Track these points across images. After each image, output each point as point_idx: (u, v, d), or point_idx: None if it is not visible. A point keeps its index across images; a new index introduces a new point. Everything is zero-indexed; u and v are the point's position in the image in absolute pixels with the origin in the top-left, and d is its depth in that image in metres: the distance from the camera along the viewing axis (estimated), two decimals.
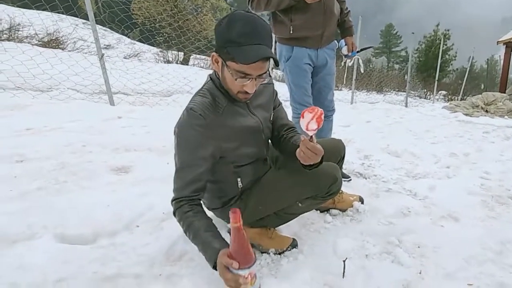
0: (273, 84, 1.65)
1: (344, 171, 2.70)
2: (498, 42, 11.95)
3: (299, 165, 1.45)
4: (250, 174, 1.53)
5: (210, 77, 1.45)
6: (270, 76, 1.40)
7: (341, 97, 10.17)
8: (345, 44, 2.53)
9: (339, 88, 13.80)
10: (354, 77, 9.07)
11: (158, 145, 3.02)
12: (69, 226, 1.64)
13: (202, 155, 1.35)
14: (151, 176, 2.35)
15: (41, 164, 2.34)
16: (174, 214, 1.39)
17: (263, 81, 1.37)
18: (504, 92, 10.64)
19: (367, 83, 15.26)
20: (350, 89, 9.59)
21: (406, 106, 9.96)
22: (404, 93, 11.07)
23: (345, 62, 2.74)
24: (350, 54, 2.54)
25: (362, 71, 4.82)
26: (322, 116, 1.29)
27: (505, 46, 11.75)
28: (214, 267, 1.22)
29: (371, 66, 20.36)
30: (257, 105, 1.53)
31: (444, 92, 18.86)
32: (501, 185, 2.74)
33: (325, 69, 2.43)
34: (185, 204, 1.35)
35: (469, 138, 4.98)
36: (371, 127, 5.49)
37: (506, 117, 7.53)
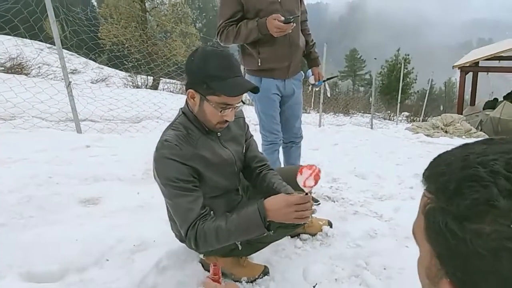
0: (243, 117, 1.71)
1: (313, 195, 2.77)
2: (453, 66, 12.69)
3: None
4: (223, 206, 1.55)
5: (182, 111, 1.49)
6: (243, 102, 1.46)
7: (309, 120, 10.40)
8: (312, 74, 2.65)
9: (307, 111, 14.14)
10: (321, 100, 9.35)
11: (128, 174, 2.99)
12: (35, 263, 1.60)
13: (188, 180, 1.36)
14: (121, 207, 2.33)
15: (4, 198, 2.27)
16: (195, 240, 1.34)
17: (240, 108, 1.44)
18: (461, 114, 11.25)
19: (334, 106, 15.73)
20: (318, 112, 9.85)
21: (371, 128, 10.31)
22: (369, 115, 11.48)
23: (311, 87, 2.86)
24: (317, 83, 2.67)
25: (329, 95, 5.00)
26: (320, 174, 1.32)
27: (459, 70, 12.48)
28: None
29: (337, 90, 21.04)
30: (228, 139, 1.58)
31: (406, 114, 19.71)
32: None
33: (292, 99, 2.54)
34: (198, 225, 1.33)
35: (431, 158, 5.21)
36: (338, 150, 5.64)
37: (463, 137, 7.95)
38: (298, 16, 2.24)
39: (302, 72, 2.60)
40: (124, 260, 1.71)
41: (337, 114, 15.09)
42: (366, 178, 3.68)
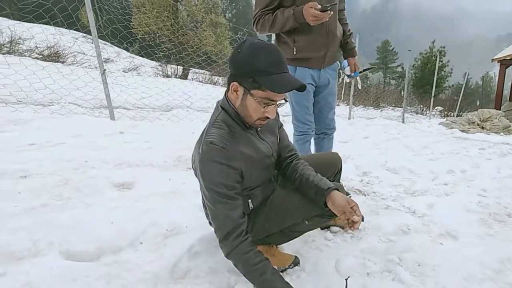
0: None
1: (344, 188, 2.73)
2: (492, 59, 12.15)
3: None
4: (260, 195, 1.56)
5: (221, 107, 1.45)
6: (285, 100, 1.44)
7: (338, 112, 10.21)
8: (348, 65, 2.59)
9: (337, 103, 13.94)
10: (351, 93, 9.18)
11: (160, 161, 3.05)
12: (74, 243, 1.66)
13: (232, 186, 1.37)
14: (153, 192, 2.38)
15: (44, 180, 2.37)
16: (228, 255, 1.37)
17: (282, 105, 1.43)
18: (499, 109, 10.77)
19: (364, 99, 15.42)
20: (348, 105, 9.69)
21: (403, 122, 10.05)
22: (401, 108, 11.19)
23: (343, 79, 2.80)
24: (353, 74, 2.60)
25: (360, 87, 4.89)
26: None
27: (499, 64, 11.93)
28: None
29: (368, 82, 20.60)
30: (265, 130, 1.57)
31: (440, 108, 19.05)
32: (498, 203, 2.77)
33: (327, 89, 2.49)
34: (241, 243, 1.34)
35: (466, 154, 5.02)
36: (369, 143, 5.53)
37: (501, 133, 7.60)
38: (336, 4, 2.17)
39: (338, 62, 2.54)
40: (157, 244, 1.75)
41: (367, 107, 14.80)
42: (398, 172, 3.59)
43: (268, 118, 1.40)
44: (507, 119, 9.55)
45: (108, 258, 1.62)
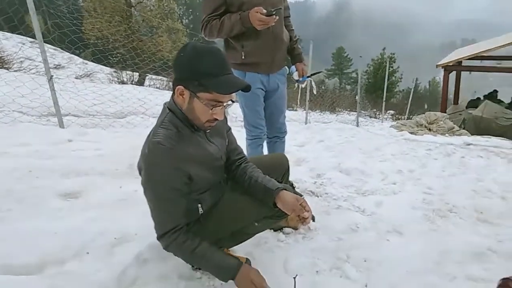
0: None
1: (297, 190, 2.79)
2: (437, 65, 12.90)
3: None
4: (210, 199, 1.56)
5: (169, 109, 1.44)
6: (232, 101, 1.45)
7: (296, 117, 10.45)
8: (296, 70, 2.66)
9: (294, 108, 14.20)
10: (307, 98, 9.39)
11: (111, 168, 2.96)
12: (14, 256, 1.57)
13: (176, 187, 1.37)
14: (103, 201, 2.30)
15: None
16: (167, 248, 1.41)
17: (230, 106, 1.44)
18: (445, 112, 11.46)
19: (320, 104, 15.83)
20: (305, 110, 9.90)
21: (357, 125, 10.40)
22: (355, 112, 11.60)
23: (297, 84, 2.87)
24: (301, 79, 2.67)
25: (315, 93, 5.01)
26: None
27: (443, 69, 12.68)
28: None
29: (323, 87, 21.18)
30: (214, 133, 1.57)
31: (392, 112, 19.96)
32: (441, 199, 2.94)
33: (277, 94, 2.54)
34: (178, 236, 1.38)
35: (414, 155, 5.29)
36: (324, 146, 5.67)
37: (447, 135, 8.08)
38: (281, 8, 2.23)
39: (286, 67, 2.60)
40: (105, 253, 1.69)
41: (323, 111, 15.19)
42: (350, 174, 3.72)
43: (216, 119, 1.41)
44: (452, 121, 10.19)
45: (52, 270, 1.54)
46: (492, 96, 11.87)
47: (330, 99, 17.48)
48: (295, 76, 2.66)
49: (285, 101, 2.67)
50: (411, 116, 14.40)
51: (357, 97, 11.22)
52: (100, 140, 4.02)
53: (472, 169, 4.48)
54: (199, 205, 1.53)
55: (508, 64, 12.99)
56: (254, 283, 1.38)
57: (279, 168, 1.87)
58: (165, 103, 1.49)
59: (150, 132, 1.42)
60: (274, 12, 2.10)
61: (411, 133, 7.95)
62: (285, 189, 1.55)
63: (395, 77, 33.00)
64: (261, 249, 1.89)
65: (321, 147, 5.61)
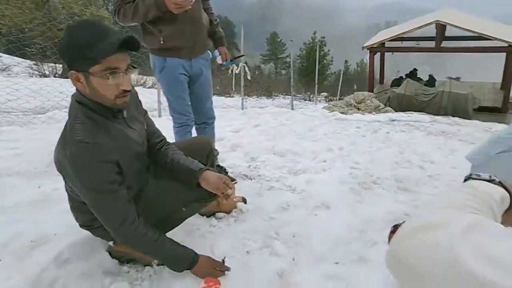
0: (135, 92, 1.61)
1: (230, 174, 2.79)
2: (363, 47, 13.58)
3: None
4: (135, 186, 1.51)
5: (77, 102, 1.35)
6: (135, 67, 1.37)
7: (232, 103, 10.45)
8: (219, 54, 2.63)
9: (231, 95, 14.18)
10: (242, 83, 9.41)
11: (29, 168, 2.74)
12: None
13: (112, 179, 1.33)
14: (19, 202, 2.12)
15: None
16: (125, 242, 1.43)
17: (133, 73, 1.36)
18: (372, 91, 12.16)
19: (256, 89, 15.98)
20: (240, 96, 9.93)
21: (292, 108, 10.66)
22: (290, 96, 11.88)
23: (231, 70, 2.84)
24: (224, 63, 2.65)
25: (249, 78, 5.03)
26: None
27: (369, 51, 13.40)
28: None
29: (258, 72, 21.36)
30: (132, 118, 1.51)
31: (325, 94, 20.76)
32: (366, 173, 3.13)
33: (201, 79, 2.49)
34: (136, 228, 1.38)
35: (345, 133, 5.56)
36: (260, 130, 5.74)
37: (373, 113, 8.60)
38: None
39: (209, 51, 2.56)
40: (21, 257, 1.57)
41: (260, 97, 15.36)
42: (284, 155, 3.80)
43: (126, 91, 1.33)
44: (378, 99, 10.84)
45: None
46: (412, 74, 12.82)
47: (266, 84, 17.72)
48: (219, 60, 2.63)
49: (211, 86, 2.64)
50: (342, 97, 15.08)
51: (291, 81, 11.49)
52: (17, 139, 3.70)
53: (396, 142, 4.82)
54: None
55: (426, 44, 14.05)
56: (214, 266, 1.48)
57: (203, 150, 1.85)
58: (72, 96, 1.39)
59: (65, 129, 1.33)
60: None
61: (342, 113, 8.33)
62: (208, 169, 1.55)
63: (326, 60, 34.26)
64: (193, 236, 1.87)
65: (256, 131, 5.66)
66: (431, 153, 4.15)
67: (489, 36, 11.13)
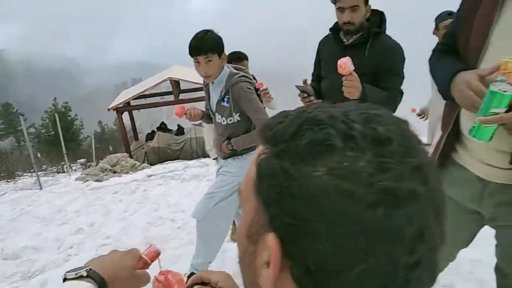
0: None
1: None
2: (108, 109, 13.38)
3: None
4: None
5: None
6: None
7: None
8: None
9: None
10: None
11: None
12: None
13: None
14: None
15: None
16: None
17: None
18: (130, 151, 12.09)
19: None
20: None
21: (41, 188, 9.28)
22: (41, 172, 10.34)
23: None
24: None
25: None
26: None
27: (115, 111, 13.30)
28: None
29: None
30: None
31: (82, 160, 19.22)
32: (117, 246, 2.95)
33: None
34: None
35: (100, 204, 5.20)
36: None
37: (130, 172, 8.50)
38: None
39: None
40: None
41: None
42: (20, 257, 3.14)
43: None
44: (136, 156, 10.88)
45: None
46: (161, 127, 13.56)
47: (5, 163, 14.88)
48: None
49: None
50: (100, 160, 14.33)
51: (32, 158, 10.06)
52: None
53: (152, 199, 4.86)
54: None
55: (169, 98, 15.06)
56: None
57: None
58: None
59: None
60: None
61: (97, 180, 7.85)
62: None
63: (76, 125, 32.28)
64: None
65: None
66: (183, 202, 4.36)
67: None
